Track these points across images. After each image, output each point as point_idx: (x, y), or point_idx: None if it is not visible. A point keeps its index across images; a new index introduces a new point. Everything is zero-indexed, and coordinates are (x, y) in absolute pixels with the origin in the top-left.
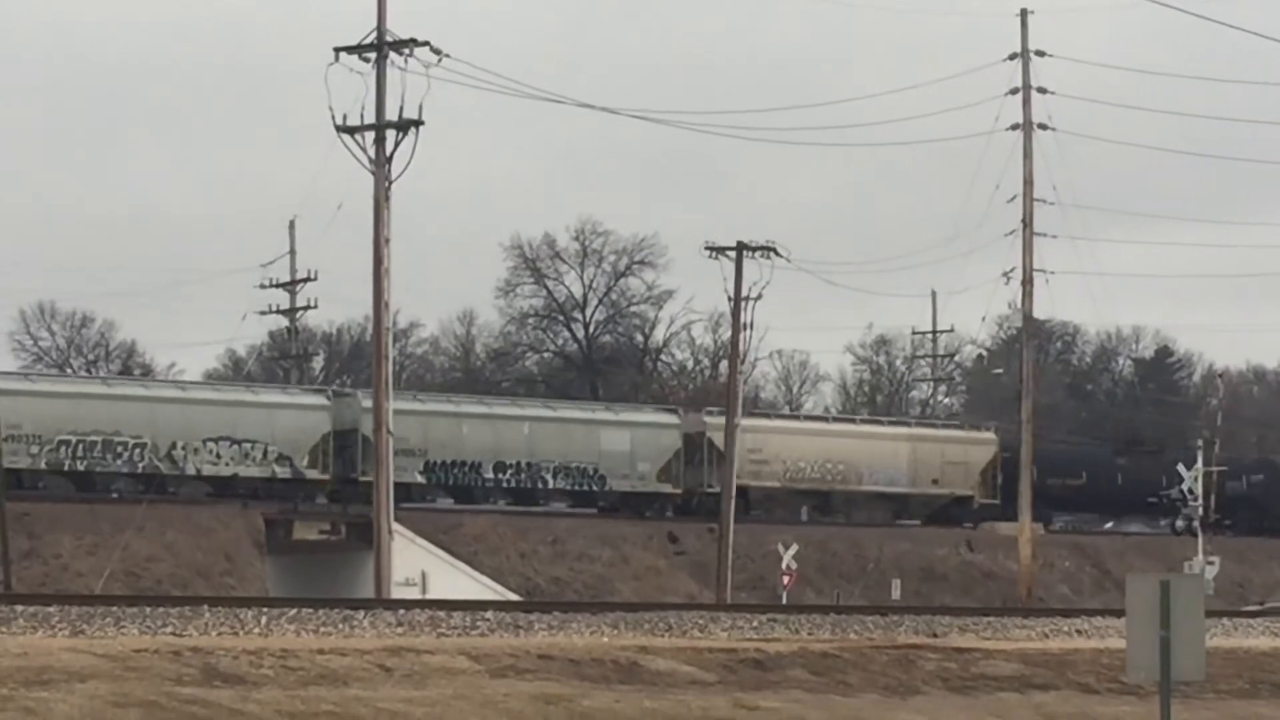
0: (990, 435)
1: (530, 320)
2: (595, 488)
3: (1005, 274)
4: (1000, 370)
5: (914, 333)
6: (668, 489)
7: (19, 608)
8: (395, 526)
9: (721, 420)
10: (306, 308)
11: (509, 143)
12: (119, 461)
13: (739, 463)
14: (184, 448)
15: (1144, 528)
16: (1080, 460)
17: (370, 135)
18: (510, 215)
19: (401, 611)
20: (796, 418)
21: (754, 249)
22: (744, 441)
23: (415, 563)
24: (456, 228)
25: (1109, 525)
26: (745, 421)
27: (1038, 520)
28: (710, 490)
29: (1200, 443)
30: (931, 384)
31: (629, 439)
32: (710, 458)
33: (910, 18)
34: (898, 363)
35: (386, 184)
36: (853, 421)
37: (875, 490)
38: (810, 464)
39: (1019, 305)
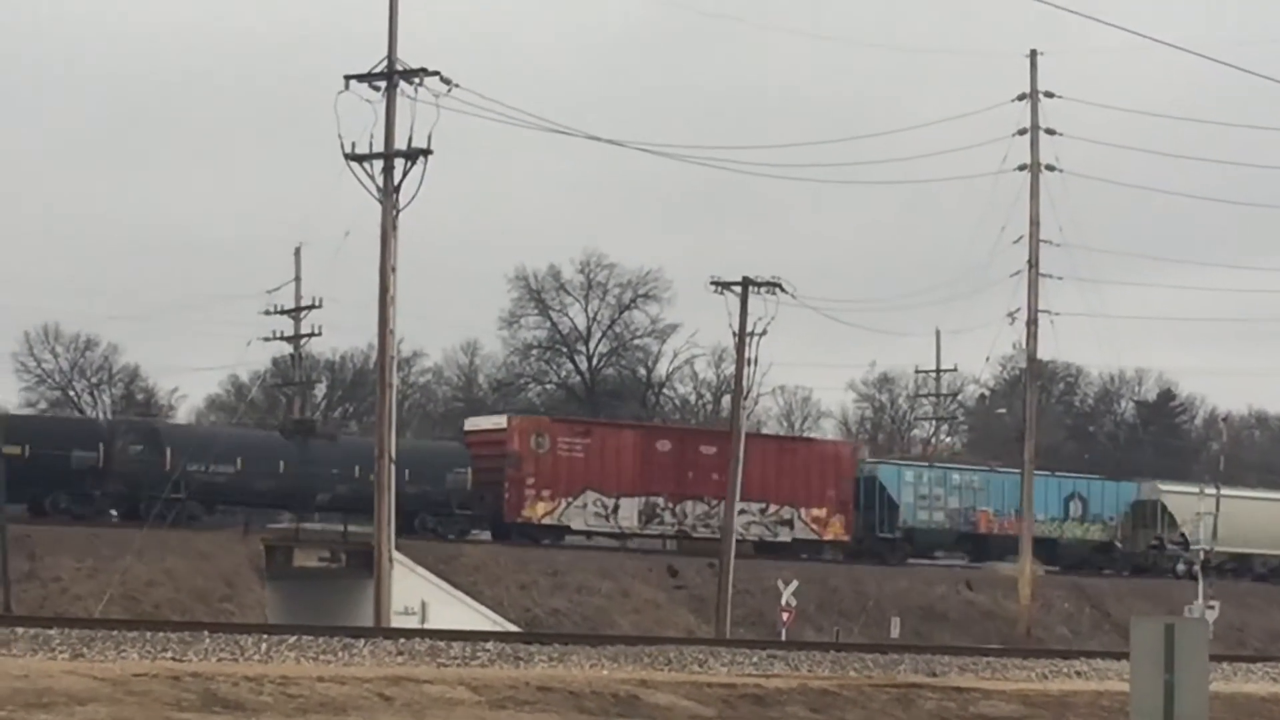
0: None
1: (533, 351)
2: None
3: (1010, 314)
4: (1003, 410)
5: (917, 371)
6: None
7: (19, 630)
8: (395, 555)
9: None
10: (311, 335)
11: (516, 174)
12: None
13: None
14: None
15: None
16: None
17: (379, 163)
18: (515, 246)
19: (401, 640)
20: None
21: (759, 284)
22: None
23: (415, 591)
24: (462, 258)
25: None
26: None
27: None
28: None
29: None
30: (934, 423)
31: None
32: None
33: (921, 56)
34: (900, 401)
35: (394, 213)
36: None
37: None
38: None
39: (1023, 346)
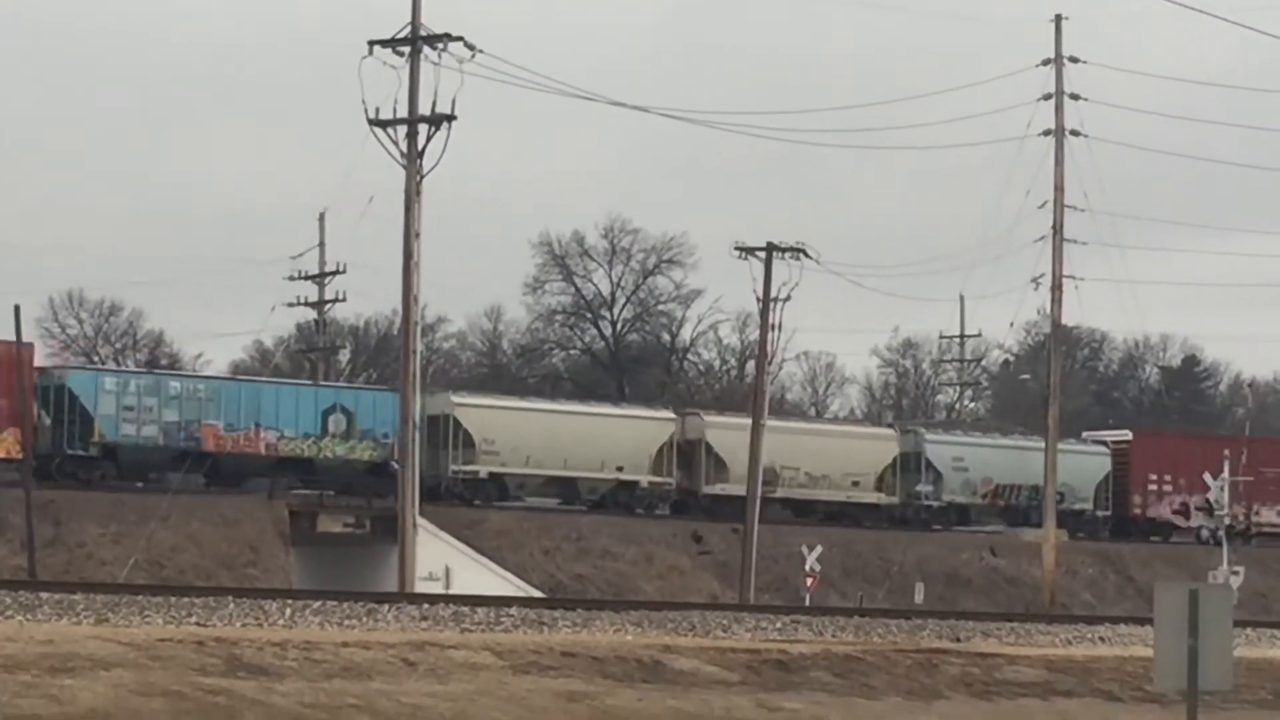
0: None
1: (558, 317)
2: None
3: (1034, 280)
4: (1027, 376)
5: (941, 337)
6: None
7: (45, 595)
8: (419, 521)
9: None
10: (335, 301)
11: (540, 140)
12: None
13: None
14: None
15: None
16: None
17: (403, 129)
18: (540, 212)
19: (425, 606)
20: None
21: (783, 250)
22: None
23: (439, 557)
24: (486, 223)
25: None
26: None
27: None
28: None
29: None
30: (958, 388)
31: None
32: None
33: (948, 22)
34: (924, 366)
35: (418, 178)
36: None
37: None
38: None
39: (1048, 311)
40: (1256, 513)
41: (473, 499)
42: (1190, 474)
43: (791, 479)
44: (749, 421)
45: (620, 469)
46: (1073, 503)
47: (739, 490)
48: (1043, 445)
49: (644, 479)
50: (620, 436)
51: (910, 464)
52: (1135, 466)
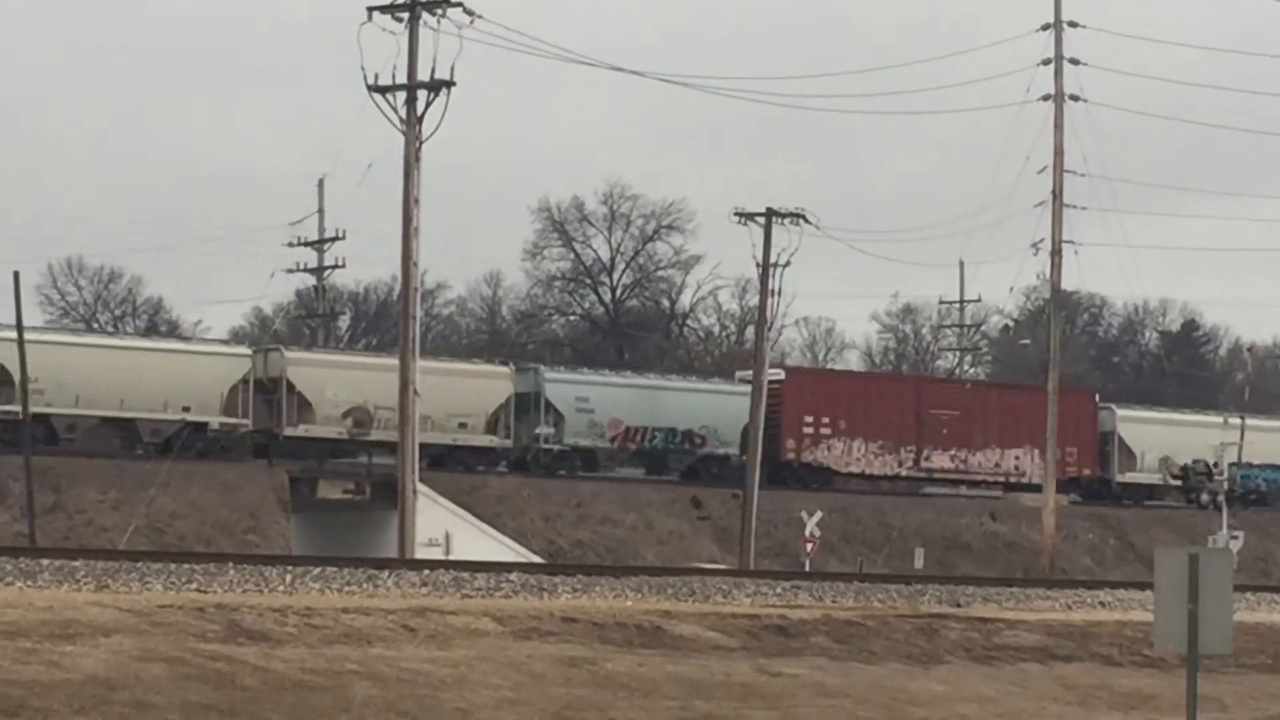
0: None
1: (557, 283)
2: None
3: (1034, 245)
4: (1027, 341)
5: (941, 302)
6: None
7: (45, 561)
8: (419, 486)
9: None
10: (334, 267)
11: (540, 106)
12: None
13: None
14: None
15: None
16: None
17: (402, 95)
18: (539, 178)
19: (426, 572)
20: None
21: (783, 215)
22: None
23: (439, 523)
24: (486, 189)
25: None
26: None
27: None
28: None
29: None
30: (957, 353)
31: None
32: None
33: None
34: (924, 332)
35: (417, 144)
36: None
37: None
38: None
39: (1047, 276)
40: (928, 458)
41: (11, 443)
42: (853, 416)
43: (388, 420)
44: (339, 358)
45: (187, 409)
46: (715, 447)
47: (326, 432)
48: (677, 385)
49: (215, 420)
50: (186, 373)
51: (529, 405)
52: (788, 408)
